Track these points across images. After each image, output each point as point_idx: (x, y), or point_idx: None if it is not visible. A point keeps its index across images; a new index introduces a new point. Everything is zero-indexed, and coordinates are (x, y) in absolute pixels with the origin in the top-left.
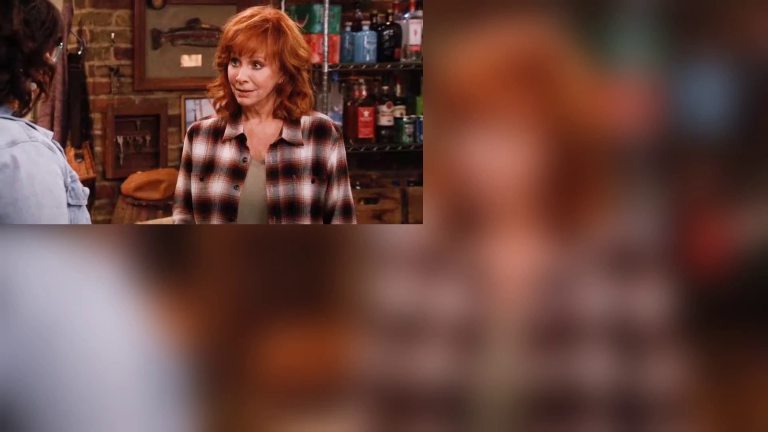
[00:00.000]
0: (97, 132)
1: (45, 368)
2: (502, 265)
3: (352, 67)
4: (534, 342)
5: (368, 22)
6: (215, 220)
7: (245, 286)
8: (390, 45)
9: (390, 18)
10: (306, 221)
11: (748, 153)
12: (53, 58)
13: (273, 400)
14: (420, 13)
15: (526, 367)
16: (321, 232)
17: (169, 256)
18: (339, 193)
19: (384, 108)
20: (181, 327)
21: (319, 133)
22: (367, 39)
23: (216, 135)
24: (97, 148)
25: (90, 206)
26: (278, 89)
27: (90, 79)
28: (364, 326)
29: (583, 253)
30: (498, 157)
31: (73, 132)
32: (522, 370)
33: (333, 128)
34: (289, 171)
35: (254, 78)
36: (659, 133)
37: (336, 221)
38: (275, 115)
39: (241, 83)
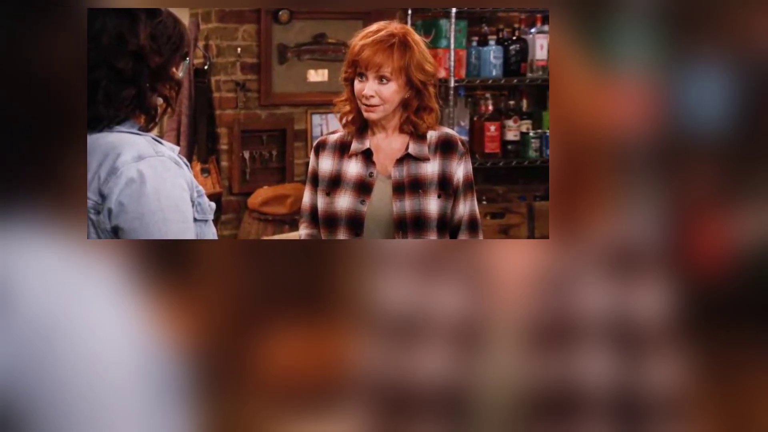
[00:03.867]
0: (224, 147)
1: (45, 368)
2: (502, 265)
3: (478, 81)
4: (534, 342)
5: (494, 37)
6: (342, 235)
7: (245, 286)
8: (516, 60)
9: (516, 33)
10: (432, 236)
11: (748, 153)
12: (179, 72)
13: (273, 400)
14: (546, 27)
15: (526, 367)
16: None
17: (169, 257)
18: (465, 207)
19: (510, 123)
20: (181, 327)
21: (446, 147)
22: (493, 54)
23: (342, 150)
24: (224, 163)
25: (216, 221)
26: (404, 104)
27: (216, 94)
28: (364, 326)
29: (583, 253)
30: None
31: (199, 147)
32: (522, 370)
33: (459, 143)
34: (415, 186)
35: (381, 93)
36: (659, 133)
37: (462, 236)
38: (401, 130)
39: (367, 98)
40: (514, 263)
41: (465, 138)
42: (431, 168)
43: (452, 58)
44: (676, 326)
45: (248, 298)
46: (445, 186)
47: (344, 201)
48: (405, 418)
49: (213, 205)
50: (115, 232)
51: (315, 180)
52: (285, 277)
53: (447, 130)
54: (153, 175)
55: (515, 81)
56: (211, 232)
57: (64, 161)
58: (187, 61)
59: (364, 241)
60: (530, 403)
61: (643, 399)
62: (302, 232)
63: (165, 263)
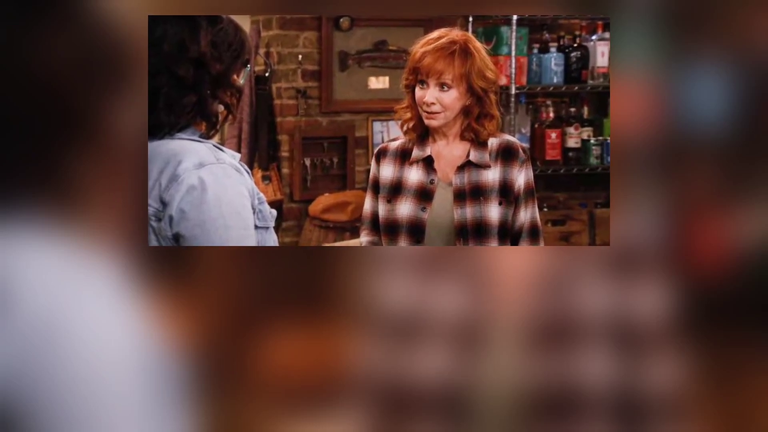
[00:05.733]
0: (285, 154)
1: (45, 368)
2: (502, 265)
3: (539, 89)
4: (534, 342)
5: (555, 44)
6: (402, 242)
7: (245, 286)
8: (577, 67)
9: (577, 40)
10: (493, 243)
11: (748, 153)
12: (240, 80)
13: (273, 400)
14: (607, 35)
15: (526, 367)
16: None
17: (169, 257)
18: (526, 214)
19: (571, 130)
20: (182, 327)
21: (507, 155)
22: (554, 61)
23: (403, 157)
24: (285, 170)
25: (277, 228)
26: (465, 111)
27: (277, 101)
28: (365, 327)
29: (583, 253)
30: None
31: (260, 154)
32: (522, 370)
33: (520, 150)
34: (476, 193)
35: (441, 100)
36: (659, 133)
37: (523, 243)
38: (462, 137)
39: (428, 105)
40: (515, 265)
41: (526, 145)
42: (492, 175)
43: (513, 65)
44: (676, 326)
45: (248, 298)
46: (506, 193)
47: (405, 208)
48: (405, 418)
49: (274, 212)
50: (176, 239)
51: (376, 187)
52: (285, 279)
53: (508, 137)
54: (214, 182)
55: (576, 88)
56: (272, 240)
57: (63, 163)
58: (248, 68)
59: (366, 248)
60: (530, 403)
61: (643, 399)
62: (363, 239)
63: (165, 262)
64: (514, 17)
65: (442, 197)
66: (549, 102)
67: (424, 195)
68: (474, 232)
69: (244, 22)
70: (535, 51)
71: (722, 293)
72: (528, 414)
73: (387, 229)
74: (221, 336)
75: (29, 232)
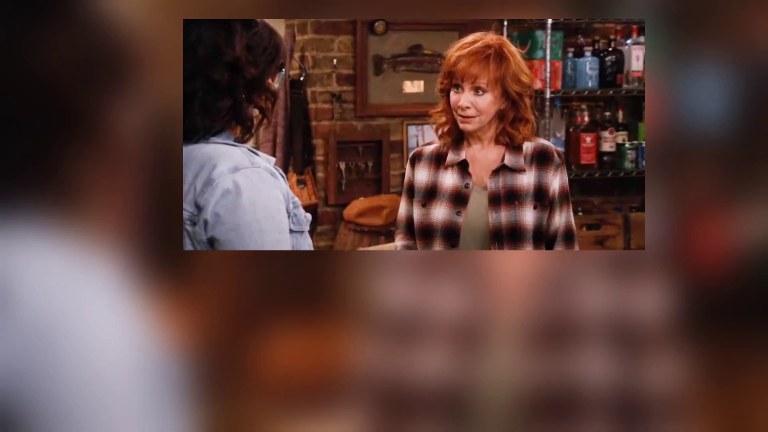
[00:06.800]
0: (320, 158)
1: (45, 368)
2: (501, 267)
3: (574, 93)
4: (533, 342)
5: (590, 48)
6: (437, 246)
7: (246, 285)
8: (612, 71)
9: (612, 44)
10: (528, 247)
11: (748, 153)
12: (275, 84)
13: (273, 400)
14: (642, 39)
15: (526, 367)
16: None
17: (169, 256)
18: (561, 219)
19: (606, 134)
20: (182, 327)
21: (542, 159)
22: (589, 65)
23: (438, 161)
24: (320, 174)
25: (312, 232)
26: (500, 115)
27: (312, 105)
28: (365, 327)
29: (583, 253)
30: None
31: (295, 158)
32: (522, 370)
33: (555, 154)
34: (511, 197)
35: (476, 104)
36: (660, 133)
37: (558, 247)
38: (497, 141)
39: (463, 109)
40: (513, 266)
41: (561, 149)
42: (527, 179)
43: (548, 69)
44: (676, 326)
45: (249, 298)
46: (541, 197)
47: (440, 212)
48: (405, 418)
49: (309, 216)
50: (211, 243)
51: (411, 191)
52: (286, 279)
53: (543, 141)
54: (249, 186)
55: (611, 92)
56: (307, 244)
57: (63, 163)
58: (283, 72)
59: (366, 250)
60: (530, 403)
61: (643, 399)
62: (398, 243)
63: (165, 261)
64: (549, 21)
65: (477, 201)
66: (584, 106)
67: (458, 199)
68: (509, 236)
69: (279, 27)
70: (570, 55)
71: (722, 293)
72: (528, 414)
73: (422, 233)
74: (221, 336)
75: (29, 232)
